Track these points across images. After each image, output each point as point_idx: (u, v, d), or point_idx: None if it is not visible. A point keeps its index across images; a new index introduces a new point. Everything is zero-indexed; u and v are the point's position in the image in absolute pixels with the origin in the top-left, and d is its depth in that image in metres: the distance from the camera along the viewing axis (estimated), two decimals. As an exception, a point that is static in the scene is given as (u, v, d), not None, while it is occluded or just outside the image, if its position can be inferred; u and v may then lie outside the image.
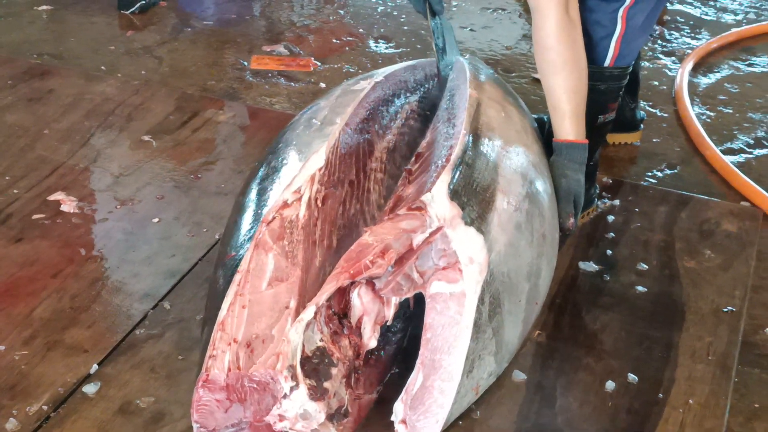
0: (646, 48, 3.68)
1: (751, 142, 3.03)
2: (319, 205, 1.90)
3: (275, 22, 3.86)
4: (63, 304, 2.13)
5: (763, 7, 4.14)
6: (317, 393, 1.68)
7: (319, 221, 1.90)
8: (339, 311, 1.81)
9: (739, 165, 2.87)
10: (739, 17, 4.02)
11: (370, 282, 1.82)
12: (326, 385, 1.71)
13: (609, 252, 2.40)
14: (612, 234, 2.47)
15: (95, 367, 1.96)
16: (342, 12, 3.95)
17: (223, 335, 1.70)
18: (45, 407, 1.86)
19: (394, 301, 1.83)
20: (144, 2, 3.82)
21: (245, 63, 3.43)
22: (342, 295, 1.80)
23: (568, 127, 2.21)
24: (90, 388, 1.90)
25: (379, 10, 3.97)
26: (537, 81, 3.36)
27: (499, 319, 1.84)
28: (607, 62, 2.32)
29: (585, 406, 1.93)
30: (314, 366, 1.71)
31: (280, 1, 4.04)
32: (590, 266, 2.34)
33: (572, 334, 2.13)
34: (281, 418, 1.66)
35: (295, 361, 1.66)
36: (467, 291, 1.76)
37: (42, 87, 3.11)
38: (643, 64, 3.53)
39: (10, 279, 2.21)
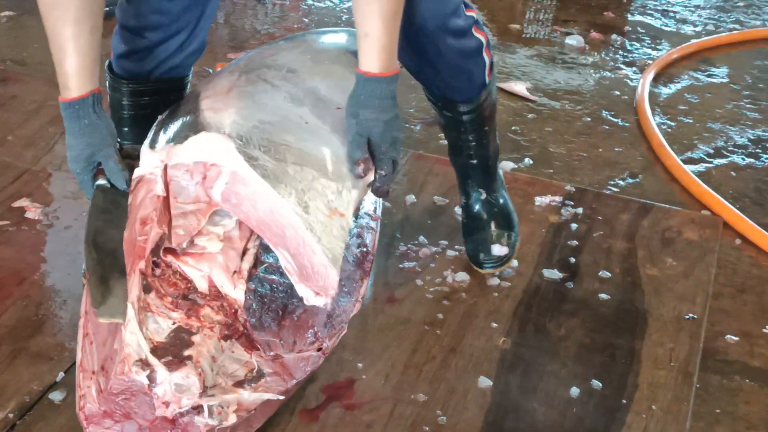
0: (608, 58, 3.73)
1: (711, 151, 3.08)
2: None
3: (239, 30, 3.86)
4: (28, 312, 2.12)
5: (721, 19, 4.20)
6: (177, 363, 1.65)
7: None
8: (184, 291, 1.77)
9: (700, 174, 2.91)
10: (698, 29, 4.08)
11: (172, 251, 1.80)
12: (188, 352, 1.67)
13: (572, 259, 2.43)
14: (575, 241, 2.50)
15: (61, 374, 1.95)
16: (306, 20, 3.96)
17: (84, 374, 1.72)
18: (11, 415, 1.85)
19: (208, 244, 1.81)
20: (108, 8, 3.79)
21: (210, 70, 3.43)
22: (175, 278, 1.78)
23: (377, 58, 1.84)
24: (56, 396, 1.90)
25: (344, 18, 3.98)
26: (501, 90, 3.40)
27: (284, 150, 1.82)
28: (487, 78, 2.21)
29: (550, 412, 1.96)
30: (169, 345, 1.68)
31: (244, 9, 4.05)
32: (554, 273, 2.37)
33: (537, 340, 2.15)
34: (166, 404, 1.64)
35: (143, 355, 1.64)
36: (236, 168, 1.75)
37: (4, 93, 3.10)
38: (604, 74, 3.58)
39: (-26, 286, 2.20)
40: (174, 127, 1.87)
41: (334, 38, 2.21)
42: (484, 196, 2.35)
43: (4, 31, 3.68)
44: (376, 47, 1.82)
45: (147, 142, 1.87)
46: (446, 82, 2.17)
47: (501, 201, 2.39)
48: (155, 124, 1.94)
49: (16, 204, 2.49)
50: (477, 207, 2.36)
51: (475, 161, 2.31)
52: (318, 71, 2.03)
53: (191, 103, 1.94)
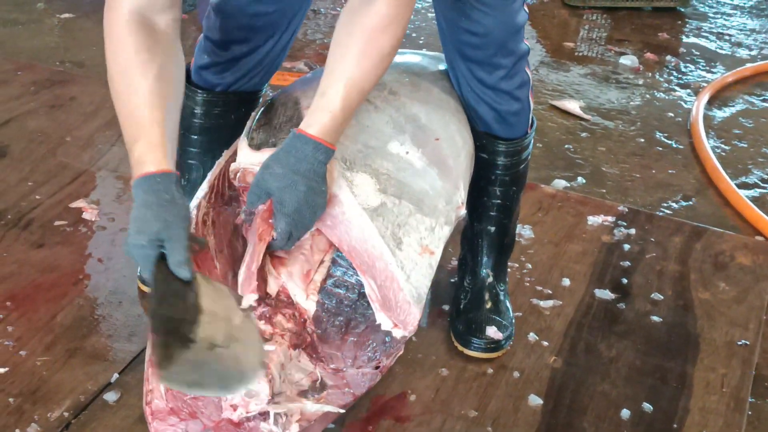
0: (662, 79, 3.72)
1: (766, 177, 3.06)
2: (209, 224, 1.90)
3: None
4: (84, 312, 2.15)
5: (777, 43, 4.18)
6: None
7: (212, 237, 1.90)
8: (262, 295, 1.79)
9: (754, 199, 2.89)
10: (753, 53, 4.06)
11: (273, 257, 1.82)
12: None
13: (624, 280, 2.42)
14: (627, 262, 2.49)
15: (116, 375, 1.97)
16: (361, 31, 3.97)
17: (155, 369, 1.71)
18: (66, 413, 1.87)
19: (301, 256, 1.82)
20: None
21: (265, 78, 3.46)
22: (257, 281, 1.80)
23: (327, 119, 1.70)
24: (111, 396, 1.92)
25: (397, 31, 3.99)
26: (554, 108, 3.40)
27: (384, 180, 1.82)
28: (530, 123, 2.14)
29: (600, 433, 1.95)
30: None
31: (299, 18, 4.07)
32: (606, 294, 2.36)
33: (587, 360, 2.14)
34: (234, 408, 1.65)
35: None
36: (337, 192, 1.76)
37: (63, 94, 3.14)
38: (658, 95, 3.56)
39: (31, 284, 2.22)
40: (275, 129, 1.87)
41: (428, 60, 2.21)
42: (490, 280, 2.21)
43: (63, 33, 3.73)
44: (329, 109, 1.70)
45: (245, 136, 1.87)
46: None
47: (501, 297, 2.21)
48: (253, 118, 1.93)
49: (74, 204, 2.52)
50: (479, 287, 2.20)
51: (493, 228, 2.18)
52: (417, 96, 2.03)
53: (290, 107, 1.92)
